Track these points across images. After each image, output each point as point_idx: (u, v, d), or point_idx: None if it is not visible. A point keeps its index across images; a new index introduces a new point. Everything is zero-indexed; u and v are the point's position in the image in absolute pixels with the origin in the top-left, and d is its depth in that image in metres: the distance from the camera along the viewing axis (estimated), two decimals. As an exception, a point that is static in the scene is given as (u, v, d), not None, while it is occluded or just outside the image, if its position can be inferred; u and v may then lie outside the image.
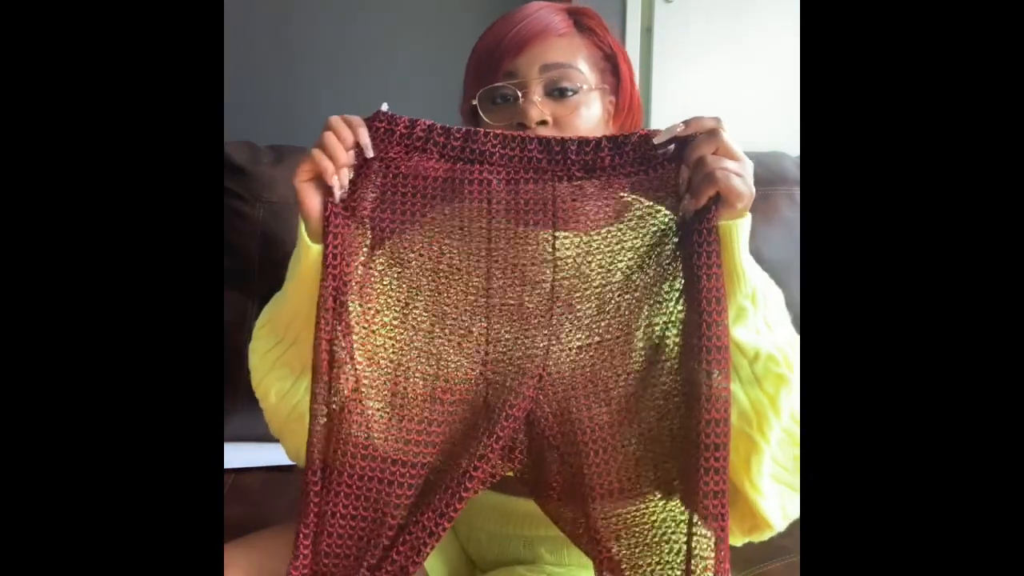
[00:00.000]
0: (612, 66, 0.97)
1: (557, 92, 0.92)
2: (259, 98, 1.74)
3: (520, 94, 0.91)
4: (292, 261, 0.90)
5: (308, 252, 0.84)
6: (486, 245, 0.84)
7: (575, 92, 0.92)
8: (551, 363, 0.82)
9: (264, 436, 1.22)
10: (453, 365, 0.83)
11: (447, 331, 0.84)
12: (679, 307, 0.80)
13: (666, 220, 0.81)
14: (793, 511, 0.84)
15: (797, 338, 0.83)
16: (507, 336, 0.83)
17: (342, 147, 0.82)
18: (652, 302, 0.81)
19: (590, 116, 0.93)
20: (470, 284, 0.84)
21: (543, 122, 0.90)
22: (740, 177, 0.78)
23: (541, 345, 0.83)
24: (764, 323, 0.81)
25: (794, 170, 1.66)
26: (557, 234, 0.83)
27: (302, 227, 0.85)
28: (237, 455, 1.51)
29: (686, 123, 0.78)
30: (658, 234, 0.82)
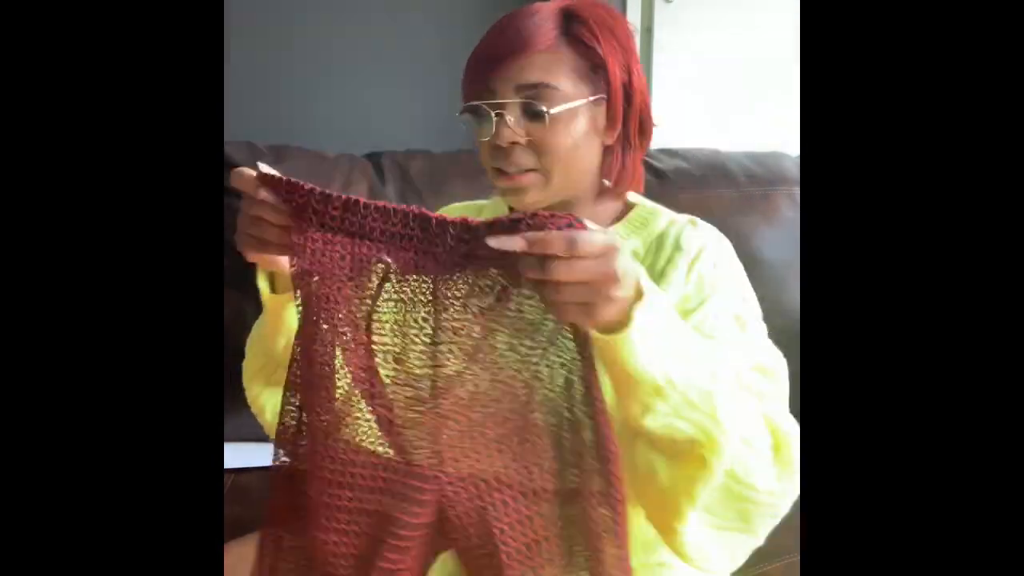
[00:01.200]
0: (605, 72, 0.93)
1: (533, 113, 0.90)
2: (259, 98, 1.74)
3: (495, 115, 0.90)
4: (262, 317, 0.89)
5: (276, 303, 0.87)
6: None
7: (552, 112, 0.90)
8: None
9: (264, 436, 1.22)
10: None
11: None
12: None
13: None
14: (743, 555, 0.85)
15: (742, 395, 0.81)
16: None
17: (268, 225, 0.79)
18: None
19: (569, 133, 0.91)
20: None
21: (518, 142, 0.90)
22: (585, 306, 0.68)
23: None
24: (685, 402, 0.74)
25: (794, 170, 1.67)
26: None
27: (263, 282, 0.86)
28: (237, 455, 1.51)
29: (529, 240, 0.67)
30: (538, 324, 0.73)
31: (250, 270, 1.54)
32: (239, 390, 1.41)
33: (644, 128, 0.98)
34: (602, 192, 0.98)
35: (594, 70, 0.92)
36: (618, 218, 0.99)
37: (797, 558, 1.19)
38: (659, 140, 1.83)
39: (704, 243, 0.94)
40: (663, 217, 0.98)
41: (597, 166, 0.96)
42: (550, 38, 0.91)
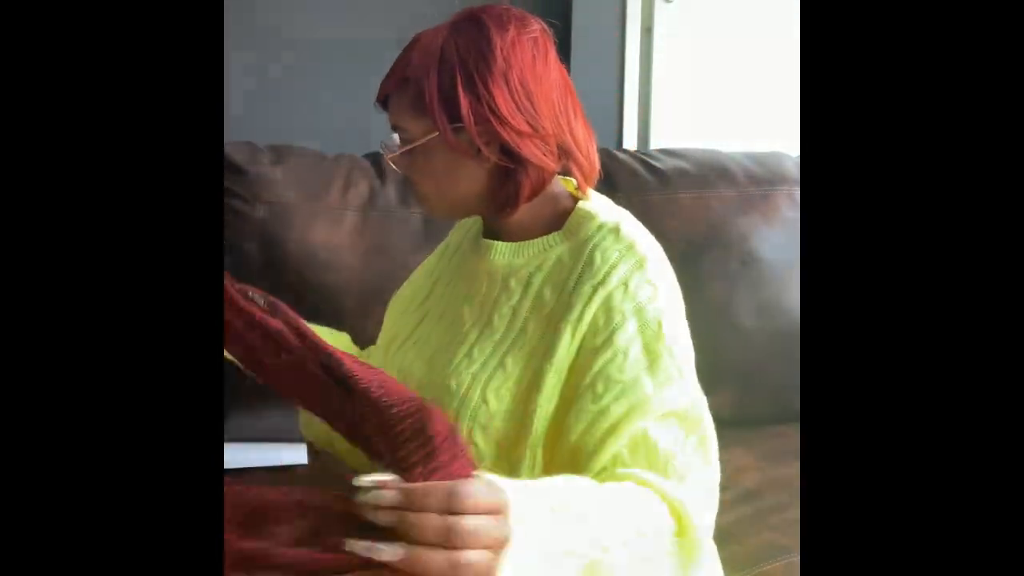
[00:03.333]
0: (452, 104, 0.90)
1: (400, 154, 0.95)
2: (259, 98, 1.74)
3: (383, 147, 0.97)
4: None
5: None
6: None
7: (405, 154, 0.94)
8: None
9: (264, 436, 1.22)
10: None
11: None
12: None
13: None
14: None
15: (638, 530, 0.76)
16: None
17: None
18: None
19: (427, 167, 0.94)
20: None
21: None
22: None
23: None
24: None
25: (794, 170, 1.67)
26: None
27: None
28: (237, 455, 1.51)
29: (405, 496, 0.61)
30: None
31: (250, 270, 1.53)
32: (239, 390, 1.42)
33: (519, 133, 0.91)
34: (513, 203, 0.95)
35: (441, 102, 0.90)
36: (560, 222, 0.97)
37: (797, 558, 1.20)
38: (659, 140, 1.85)
39: (619, 259, 0.90)
40: (596, 220, 0.94)
41: (483, 187, 0.94)
42: (395, 80, 0.94)
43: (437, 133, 0.91)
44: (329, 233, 1.49)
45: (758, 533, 1.27)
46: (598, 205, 0.98)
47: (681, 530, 0.79)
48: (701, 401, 0.90)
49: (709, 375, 1.51)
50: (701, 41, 1.85)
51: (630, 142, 1.82)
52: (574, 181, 0.98)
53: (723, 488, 1.37)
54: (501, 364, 0.92)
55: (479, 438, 0.90)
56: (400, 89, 0.94)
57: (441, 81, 0.90)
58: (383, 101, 0.97)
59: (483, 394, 0.91)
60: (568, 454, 0.87)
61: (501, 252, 0.97)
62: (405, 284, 1.13)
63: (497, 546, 0.62)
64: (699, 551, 0.79)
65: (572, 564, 0.69)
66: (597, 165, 0.98)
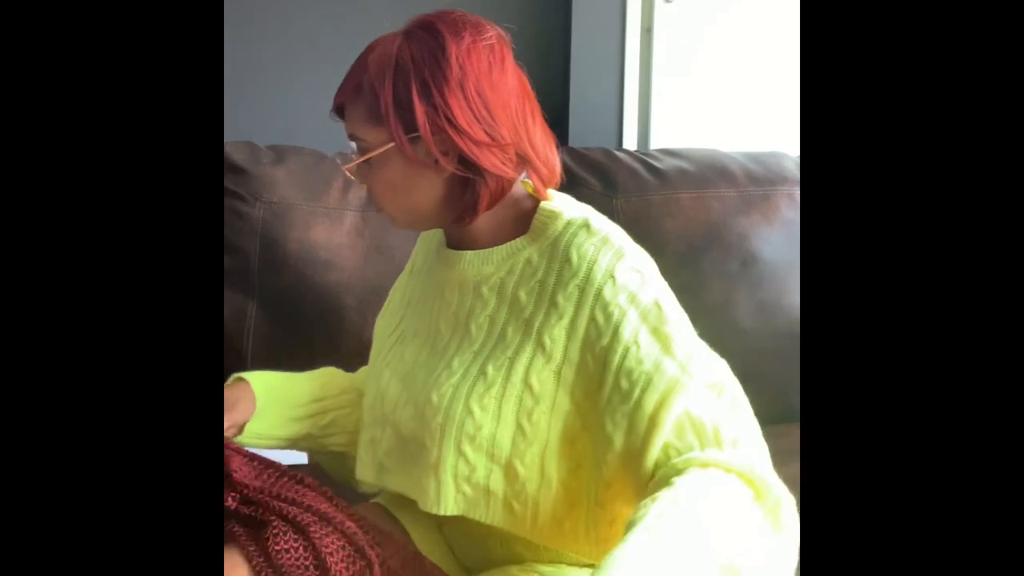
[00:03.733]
0: (407, 112, 0.89)
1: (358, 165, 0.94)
2: (259, 98, 1.74)
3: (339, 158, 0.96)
4: None
5: None
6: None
7: (362, 165, 0.93)
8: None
9: (264, 436, 1.22)
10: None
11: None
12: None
13: None
14: None
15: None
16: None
17: None
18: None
19: (384, 177, 0.92)
20: None
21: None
22: None
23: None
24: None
25: (794, 170, 1.67)
26: None
27: None
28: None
29: None
30: None
31: (250, 270, 1.54)
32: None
33: (481, 153, 0.89)
34: (472, 213, 0.94)
35: (396, 111, 0.89)
36: (525, 225, 0.95)
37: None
38: (659, 140, 1.84)
39: (596, 253, 0.89)
40: (562, 218, 0.93)
41: (441, 197, 0.93)
42: (351, 88, 0.93)
43: (393, 143, 0.90)
44: (329, 233, 1.49)
45: (758, 533, 1.26)
46: (560, 204, 0.96)
47: (758, 493, 0.80)
48: (718, 363, 0.90)
49: (709, 375, 1.52)
50: (701, 41, 1.85)
51: (630, 142, 1.82)
52: (531, 183, 0.96)
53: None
54: (482, 373, 0.90)
55: (468, 449, 0.89)
56: (355, 98, 0.92)
57: (396, 90, 0.89)
58: (339, 110, 0.96)
59: (467, 405, 0.89)
60: (618, 462, 0.85)
61: (469, 261, 0.96)
62: (384, 307, 1.12)
63: None
64: (780, 507, 0.79)
65: None
66: (557, 170, 0.97)
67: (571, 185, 1.55)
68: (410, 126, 0.89)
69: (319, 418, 1.09)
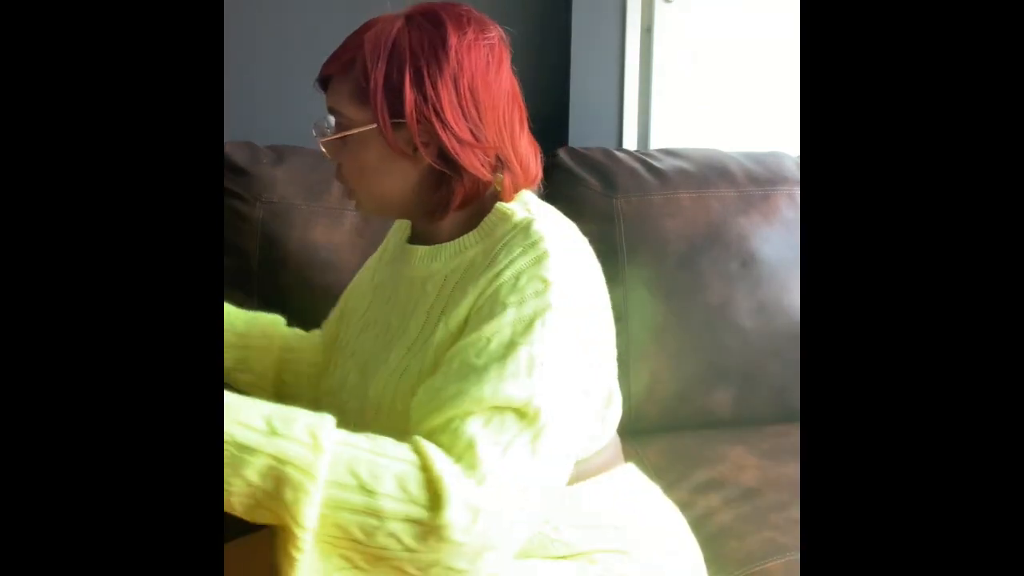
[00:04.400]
0: (396, 96, 0.88)
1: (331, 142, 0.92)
2: (259, 98, 1.74)
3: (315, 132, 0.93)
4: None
5: None
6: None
7: (337, 141, 0.92)
8: None
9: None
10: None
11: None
12: None
13: None
14: None
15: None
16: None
17: None
18: None
19: (360, 158, 0.91)
20: None
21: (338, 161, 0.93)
22: None
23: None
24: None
25: (794, 170, 1.67)
26: None
27: None
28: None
29: None
30: None
31: (250, 270, 1.54)
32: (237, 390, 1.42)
33: (462, 141, 0.89)
34: (442, 212, 0.94)
35: (387, 93, 0.88)
36: (477, 223, 0.94)
37: (797, 556, 1.20)
38: (659, 140, 1.84)
39: (520, 254, 0.87)
40: (511, 220, 0.91)
41: (413, 188, 0.92)
42: (341, 63, 0.91)
43: (375, 125, 0.89)
44: (329, 233, 1.49)
45: (758, 531, 1.27)
46: (517, 204, 0.94)
47: (433, 504, 0.75)
48: (553, 403, 0.82)
49: (709, 375, 1.53)
50: (701, 41, 1.85)
51: (630, 142, 1.82)
52: (504, 182, 0.95)
53: (723, 486, 1.38)
54: (408, 367, 0.90)
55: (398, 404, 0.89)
56: (344, 72, 0.91)
57: (388, 72, 0.88)
58: (323, 81, 0.95)
59: (393, 400, 0.89)
60: (399, 417, 0.87)
61: (420, 257, 0.96)
62: (355, 280, 1.12)
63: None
64: (445, 531, 0.75)
65: (251, 460, 0.74)
66: (537, 179, 0.96)
67: (571, 185, 1.55)
68: (396, 111, 0.88)
69: (237, 351, 1.11)
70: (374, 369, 0.95)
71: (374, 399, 0.92)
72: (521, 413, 0.81)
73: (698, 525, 1.18)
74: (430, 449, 0.78)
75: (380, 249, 1.11)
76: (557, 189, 1.53)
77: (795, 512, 1.28)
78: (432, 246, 0.96)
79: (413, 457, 0.78)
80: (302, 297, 1.46)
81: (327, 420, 0.79)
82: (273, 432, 0.75)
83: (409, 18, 0.91)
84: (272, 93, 1.76)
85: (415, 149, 0.89)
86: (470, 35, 0.89)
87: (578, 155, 1.61)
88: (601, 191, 1.56)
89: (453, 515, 0.75)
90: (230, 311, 1.14)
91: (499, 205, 0.93)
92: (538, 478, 0.81)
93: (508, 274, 0.86)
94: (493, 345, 0.83)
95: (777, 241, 1.59)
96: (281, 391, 1.14)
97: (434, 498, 0.76)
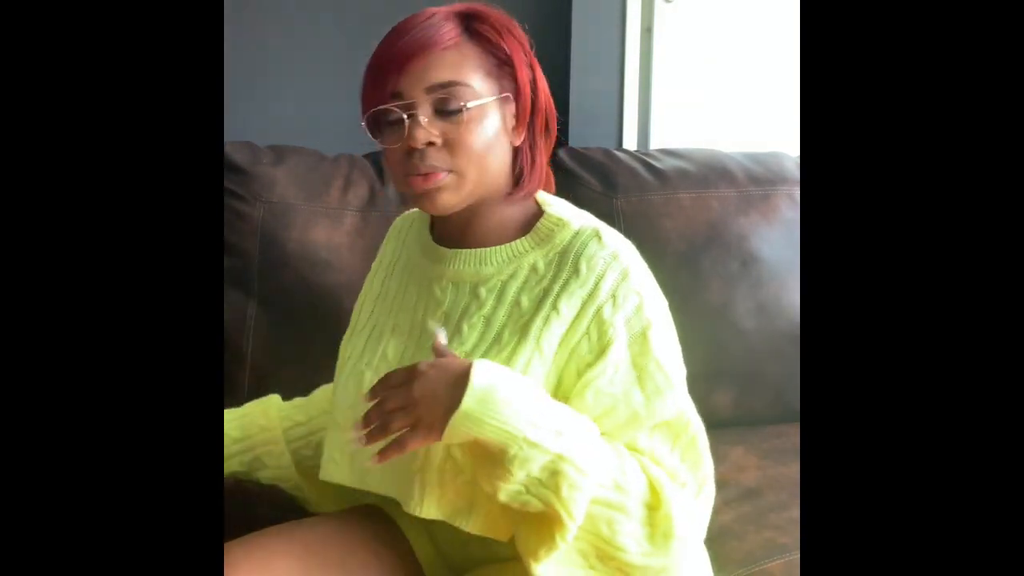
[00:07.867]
0: (511, 70, 0.92)
1: (445, 112, 0.89)
2: (259, 98, 1.74)
3: (406, 116, 0.88)
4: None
5: None
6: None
7: (463, 110, 0.89)
8: None
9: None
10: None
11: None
12: None
13: None
14: None
15: (605, 454, 0.85)
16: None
17: None
18: None
19: (483, 131, 0.90)
20: None
21: (431, 143, 0.88)
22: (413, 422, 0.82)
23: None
24: (531, 480, 0.82)
25: (794, 170, 1.67)
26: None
27: None
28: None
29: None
30: None
31: (250, 270, 1.53)
32: (239, 390, 1.42)
33: (549, 127, 0.97)
34: (510, 195, 0.95)
35: (499, 67, 0.92)
36: (526, 227, 0.96)
37: (797, 556, 1.20)
38: (659, 140, 1.84)
39: (605, 268, 0.90)
40: (570, 227, 0.93)
41: (507, 167, 0.94)
42: (454, 36, 0.91)
43: (500, 96, 0.91)
44: (329, 233, 1.48)
45: (758, 531, 1.27)
46: (564, 210, 0.97)
47: (655, 504, 0.84)
48: (689, 407, 0.91)
49: (709, 375, 1.52)
50: (701, 41, 1.85)
51: (630, 142, 1.82)
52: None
53: (723, 486, 1.37)
54: None
55: (456, 451, 0.88)
56: (458, 45, 0.90)
57: (516, 48, 0.93)
58: (403, 60, 0.90)
59: None
60: None
61: (465, 260, 0.95)
62: (360, 300, 1.10)
63: (411, 404, 0.82)
64: (671, 532, 0.84)
65: (537, 457, 0.81)
66: (550, 180, 1.01)
67: (571, 185, 1.55)
68: (505, 87, 0.92)
69: (243, 455, 1.12)
70: None
71: None
72: (670, 427, 0.90)
73: (698, 525, 1.18)
74: (642, 459, 0.88)
75: (374, 266, 1.10)
76: (557, 189, 1.53)
77: (795, 512, 1.28)
78: (475, 249, 0.95)
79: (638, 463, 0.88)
80: (302, 297, 1.46)
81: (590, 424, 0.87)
82: (559, 433, 0.82)
83: (491, 7, 0.95)
84: (272, 93, 1.76)
85: (513, 127, 0.93)
86: (520, 29, 0.96)
87: (578, 155, 1.61)
88: (601, 191, 1.55)
89: (680, 524, 0.85)
90: None
91: (549, 211, 0.96)
92: (698, 486, 0.92)
93: (604, 292, 0.89)
94: (622, 371, 0.88)
95: (777, 241, 1.59)
96: (303, 464, 1.14)
97: (667, 503, 0.85)
